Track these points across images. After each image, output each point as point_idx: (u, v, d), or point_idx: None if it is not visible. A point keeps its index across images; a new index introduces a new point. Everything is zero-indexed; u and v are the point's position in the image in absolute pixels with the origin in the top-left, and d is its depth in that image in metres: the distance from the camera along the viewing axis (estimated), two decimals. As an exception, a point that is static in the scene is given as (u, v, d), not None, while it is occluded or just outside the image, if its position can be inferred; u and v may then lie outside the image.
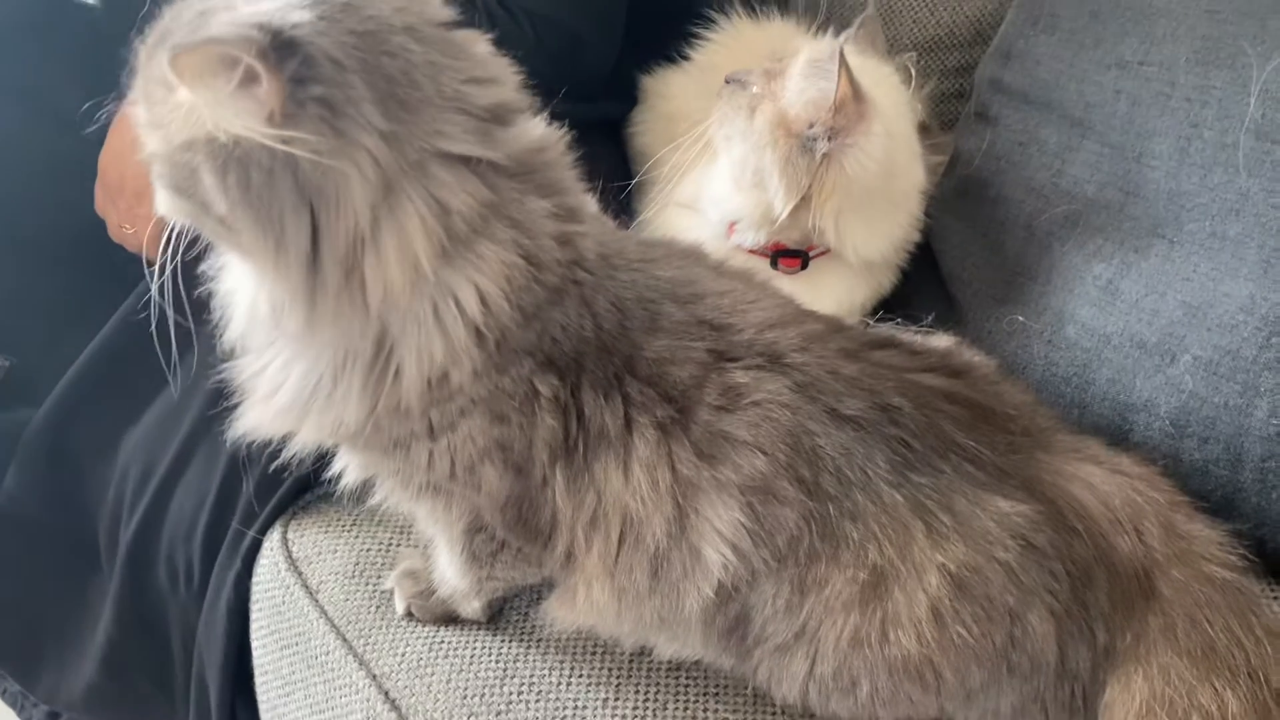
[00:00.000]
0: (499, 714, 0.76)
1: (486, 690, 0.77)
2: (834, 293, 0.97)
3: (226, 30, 0.53)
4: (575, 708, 0.75)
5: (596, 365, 0.66)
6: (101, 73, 0.71)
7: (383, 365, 0.63)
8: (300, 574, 0.88)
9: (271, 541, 0.91)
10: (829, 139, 0.88)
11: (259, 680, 0.92)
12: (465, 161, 0.59)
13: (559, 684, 0.77)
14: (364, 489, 0.75)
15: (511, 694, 0.77)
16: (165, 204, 0.60)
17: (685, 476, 0.66)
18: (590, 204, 0.71)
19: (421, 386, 0.63)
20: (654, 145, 1.19)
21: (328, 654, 0.84)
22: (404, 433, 0.66)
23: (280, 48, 0.53)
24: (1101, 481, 0.69)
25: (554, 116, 1.02)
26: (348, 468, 0.73)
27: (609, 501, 0.67)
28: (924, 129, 1.25)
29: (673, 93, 1.23)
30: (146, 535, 1.02)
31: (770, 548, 0.66)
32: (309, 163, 0.55)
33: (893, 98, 0.96)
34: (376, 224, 0.57)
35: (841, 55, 0.86)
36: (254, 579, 0.93)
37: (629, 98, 1.26)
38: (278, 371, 0.66)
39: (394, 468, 0.70)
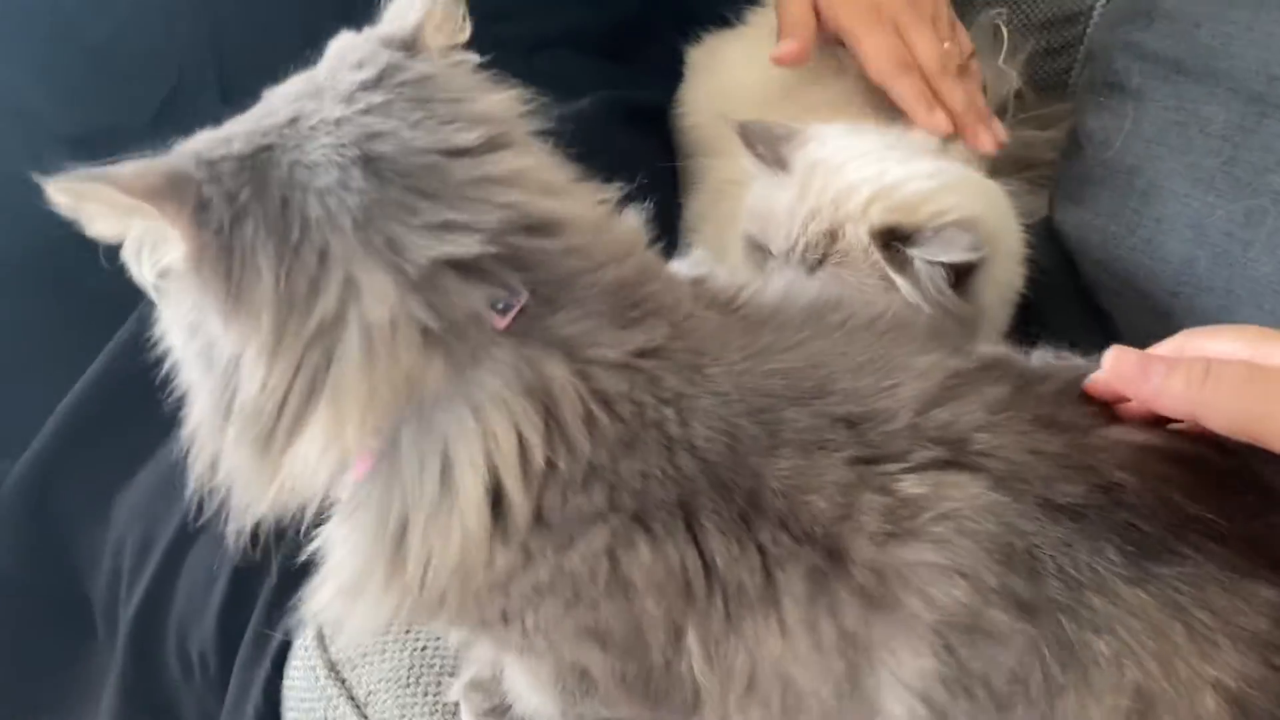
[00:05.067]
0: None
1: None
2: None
3: (119, 169, 0.48)
4: None
5: (714, 508, 0.51)
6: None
7: (395, 548, 0.52)
8: (344, 682, 0.73)
9: (305, 640, 0.76)
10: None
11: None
12: (416, 325, 0.49)
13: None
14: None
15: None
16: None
17: (851, 631, 0.50)
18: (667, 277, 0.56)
19: (445, 576, 0.51)
20: (705, 125, 1.04)
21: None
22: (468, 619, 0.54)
23: (179, 185, 0.48)
24: None
25: (594, 105, 0.87)
26: None
27: (765, 669, 0.52)
28: (1019, 97, 1.10)
29: (724, 63, 1.07)
30: (151, 617, 0.88)
31: (983, 693, 0.51)
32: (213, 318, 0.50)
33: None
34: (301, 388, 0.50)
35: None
36: (286, 682, 0.78)
37: (674, 74, 1.10)
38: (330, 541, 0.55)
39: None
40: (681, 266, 0.61)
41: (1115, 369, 0.52)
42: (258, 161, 0.49)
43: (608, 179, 0.90)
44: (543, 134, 0.78)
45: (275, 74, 0.55)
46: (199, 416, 0.53)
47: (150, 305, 0.55)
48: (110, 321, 0.93)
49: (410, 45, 0.54)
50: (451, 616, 0.54)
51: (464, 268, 0.49)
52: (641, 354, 0.51)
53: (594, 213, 0.56)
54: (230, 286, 0.48)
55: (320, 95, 0.51)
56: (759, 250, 0.83)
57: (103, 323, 0.94)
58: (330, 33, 0.57)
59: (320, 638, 0.76)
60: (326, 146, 0.49)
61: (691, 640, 0.52)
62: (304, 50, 0.56)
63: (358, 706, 0.73)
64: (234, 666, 0.83)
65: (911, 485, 0.50)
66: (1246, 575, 0.51)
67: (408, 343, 0.49)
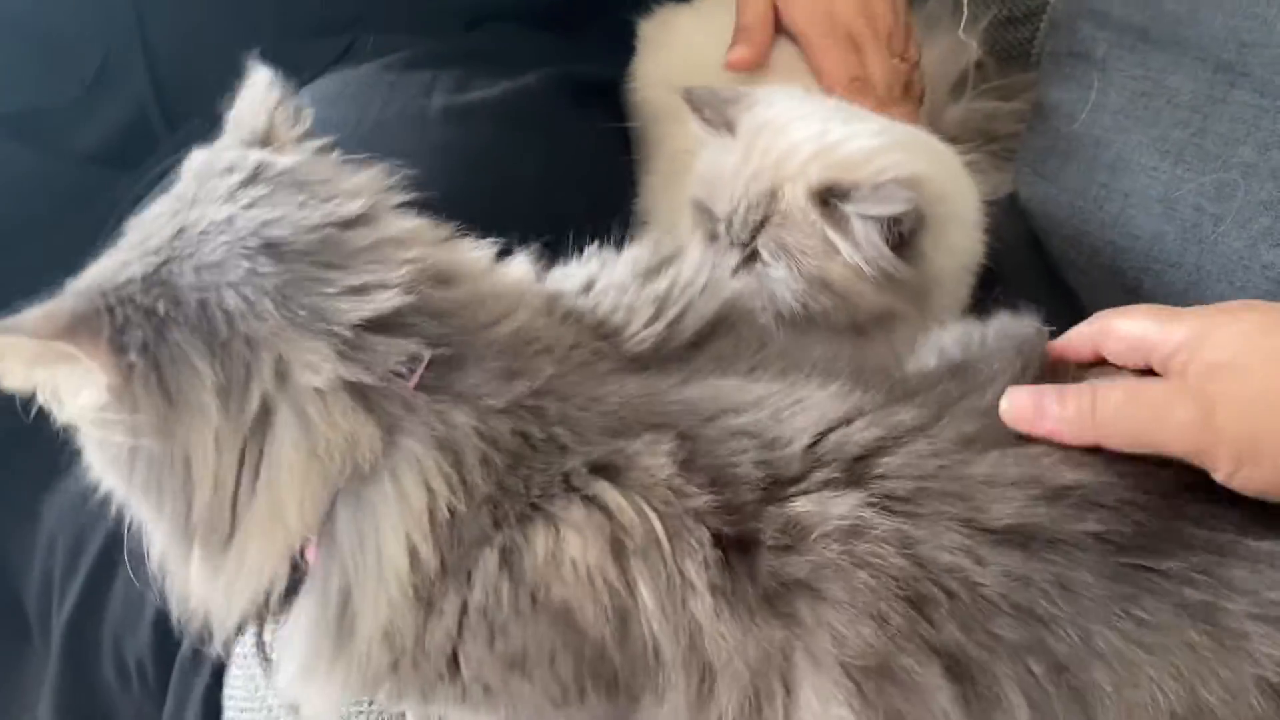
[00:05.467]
0: None
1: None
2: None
3: (22, 317, 0.50)
4: None
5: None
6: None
7: (338, 625, 0.53)
8: (286, 692, 0.70)
9: (245, 648, 0.72)
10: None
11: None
12: (349, 389, 0.50)
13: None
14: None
15: None
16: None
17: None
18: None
19: (379, 645, 0.52)
20: (658, 97, 1.01)
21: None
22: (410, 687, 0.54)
23: (88, 318, 0.49)
24: None
25: (541, 82, 0.83)
26: None
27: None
28: (980, 68, 1.07)
29: (676, 36, 1.03)
30: (85, 623, 0.84)
31: None
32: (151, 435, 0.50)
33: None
34: (238, 488, 0.51)
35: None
36: (225, 691, 0.74)
37: (624, 48, 1.06)
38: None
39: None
40: (571, 279, 0.62)
41: (1011, 413, 0.53)
42: (161, 275, 0.51)
43: (556, 157, 0.86)
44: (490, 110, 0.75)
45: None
46: (162, 549, 0.55)
47: None
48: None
49: (269, 141, 0.58)
50: (397, 687, 0.54)
51: (387, 324, 0.51)
52: (530, 394, 0.52)
53: (483, 261, 0.59)
54: (167, 394, 0.50)
55: (198, 203, 0.53)
56: (705, 215, 0.80)
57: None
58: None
59: (260, 645, 0.72)
60: (224, 244, 0.51)
61: (643, 592, 0.50)
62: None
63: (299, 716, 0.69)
64: (172, 675, 0.79)
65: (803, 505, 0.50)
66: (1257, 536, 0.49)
67: (343, 407, 0.50)
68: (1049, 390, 0.53)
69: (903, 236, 0.71)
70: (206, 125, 0.96)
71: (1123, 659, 0.47)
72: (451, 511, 0.50)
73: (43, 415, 0.90)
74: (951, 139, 0.90)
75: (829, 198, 0.72)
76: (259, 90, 0.59)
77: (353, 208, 0.54)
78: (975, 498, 0.50)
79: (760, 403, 0.54)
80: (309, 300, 0.50)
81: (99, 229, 0.94)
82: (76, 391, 0.51)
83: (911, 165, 0.74)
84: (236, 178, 0.54)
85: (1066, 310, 0.82)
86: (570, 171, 0.87)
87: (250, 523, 0.52)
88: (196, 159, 0.57)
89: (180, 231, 0.52)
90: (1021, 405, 0.53)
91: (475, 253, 0.59)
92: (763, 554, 0.50)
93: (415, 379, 0.51)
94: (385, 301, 0.51)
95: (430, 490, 0.50)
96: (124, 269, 0.51)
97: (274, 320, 0.50)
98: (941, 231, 0.74)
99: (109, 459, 0.53)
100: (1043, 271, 0.84)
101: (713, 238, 0.80)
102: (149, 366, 0.49)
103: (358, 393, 0.50)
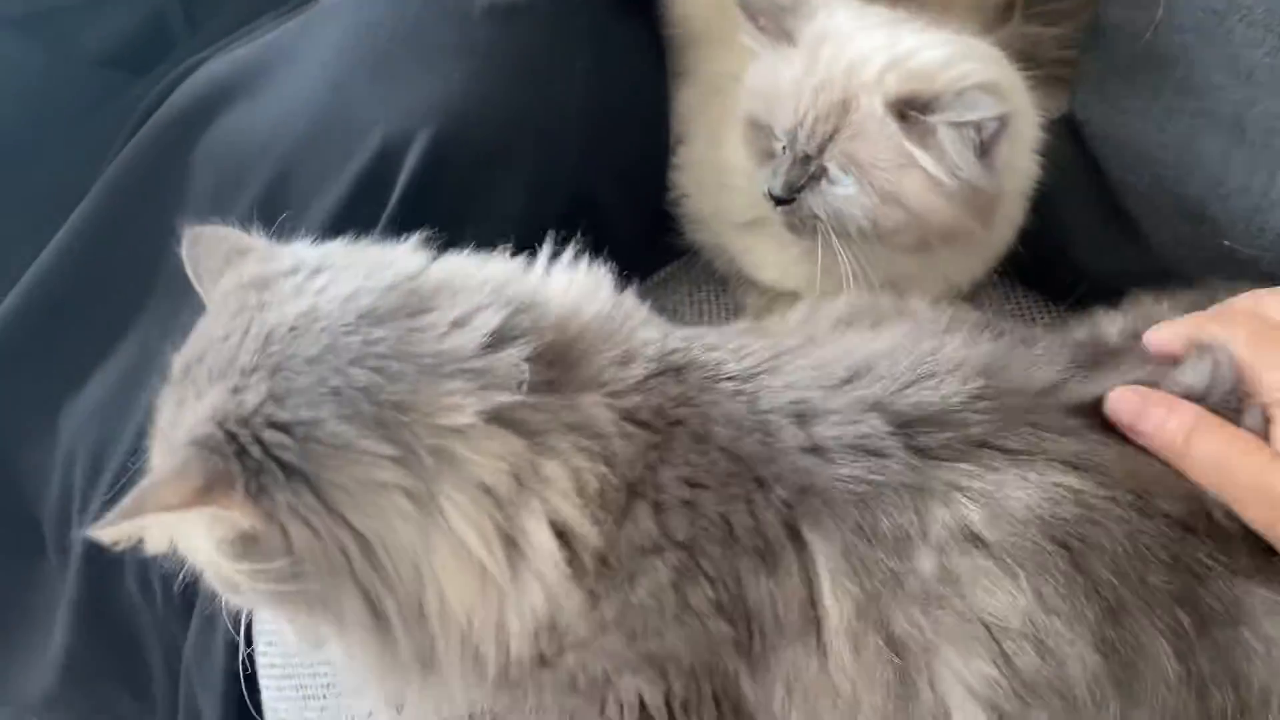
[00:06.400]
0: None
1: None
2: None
3: (150, 485, 0.48)
4: None
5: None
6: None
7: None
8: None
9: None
10: None
11: (273, 728, 0.73)
12: (489, 419, 0.50)
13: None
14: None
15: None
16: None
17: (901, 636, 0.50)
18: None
19: (530, 644, 0.52)
20: (699, 14, 0.97)
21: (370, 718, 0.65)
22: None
23: (218, 470, 0.47)
24: None
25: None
26: None
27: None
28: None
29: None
30: (106, 537, 0.82)
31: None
32: (324, 549, 0.49)
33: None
34: (427, 552, 0.50)
35: None
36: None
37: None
38: None
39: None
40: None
41: (1114, 410, 0.54)
42: (279, 387, 0.49)
43: (603, 65, 0.82)
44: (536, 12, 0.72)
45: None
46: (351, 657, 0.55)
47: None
48: (54, 216, 0.86)
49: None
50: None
51: (499, 342, 0.52)
52: (649, 376, 0.54)
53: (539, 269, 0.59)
54: (329, 499, 0.49)
55: (268, 307, 0.52)
56: (761, 132, 0.77)
57: (46, 218, 0.87)
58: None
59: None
60: (322, 330, 0.51)
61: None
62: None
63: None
64: (199, 591, 0.78)
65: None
66: None
67: (489, 433, 0.50)
68: (1158, 398, 0.53)
69: (984, 145, 0.69)
70: (229, 24, 0.93)
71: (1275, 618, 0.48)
72: (601, 483, 0.51)
73: (54, 322, 0.88)
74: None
75: (908, 109, 0.69)
76: (210, 238, 0.58)
77: (412, 261, 0.55)
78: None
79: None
80: (428, 347, 0.50)
81: (110, 136, 0.92)
82: (208, 545, 0.50)
83: (988, 73, 0.72)
84: (303, 273, 0.53)
85: (1126, 238, 0.81)
86: (616, 81, 0.84)
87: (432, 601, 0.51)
88: (228, 282, 0.55)
89: (268, 338, 0.50)
90: (1128, 402, 0.54)
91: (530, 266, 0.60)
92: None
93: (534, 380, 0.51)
94: (491, 320, 0.51)
95: (574, 468, 0.51)
96: (236, 398, 0.49)
97: (410, 376, 0.49)
98: (1011, 144, 0.71)
99: (268, 595, 0.51)
100: (1100, 197, 0.82)
101: (768, 156, 0.77)
102: (302, 487, 0.48)
103: (498, 416, 0.50)
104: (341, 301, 0.51)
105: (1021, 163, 0.77)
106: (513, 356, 0.51)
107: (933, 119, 0.69)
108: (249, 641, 0.72)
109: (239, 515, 0.48)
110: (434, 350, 0.50)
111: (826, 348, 0.56)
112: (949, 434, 0.52)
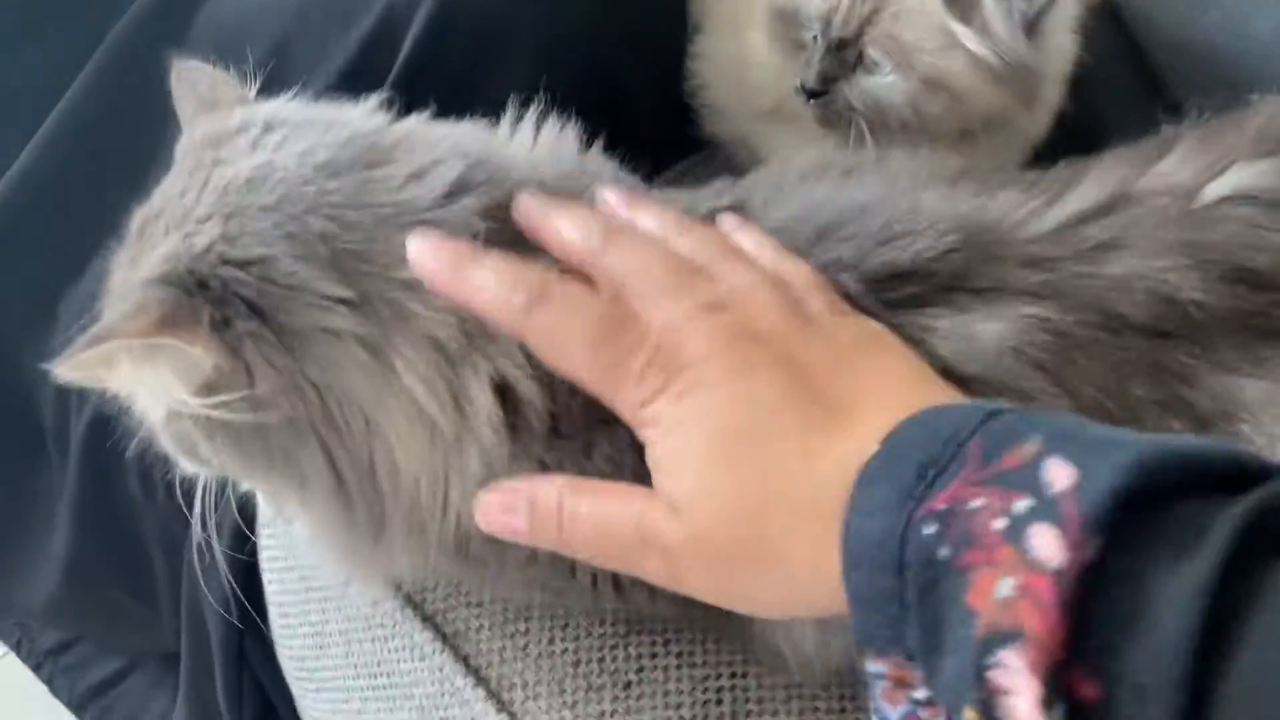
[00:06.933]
0: (625, 688, 0.57)
1: (604, 657, 0.58)
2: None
3: (110, 320, 0.47)
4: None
5: None
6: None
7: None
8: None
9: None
10: None
11: (278, 623, 0.71)
12: None
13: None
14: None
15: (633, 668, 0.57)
16: (184, 465, 0.55)
17: None
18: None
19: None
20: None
21: (376, 607, 0.63)
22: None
23: (180, 303, 0.47)
24: None
25: None
26: None
27: None
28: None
29: None
30: (105, 430, 0.80)
31: None
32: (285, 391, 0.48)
33: None
34: (379, 406, 0.49)
35: None
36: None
37: None
38: None
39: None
40: None
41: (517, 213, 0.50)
42: (233, 230, 0.49)
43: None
44: None
45: None
46: (316, 522, 0.53)
47: None
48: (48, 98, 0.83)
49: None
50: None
51: (453, 194, 0.50)
52: None
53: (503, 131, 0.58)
54: (288, 341, 0.48)
55: (223, 164, 0.51)
56: (788, 20, 0.73)
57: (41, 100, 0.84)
58: None
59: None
60: (279, 182, 0.50)
61: None
62: None
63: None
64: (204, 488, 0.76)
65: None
66: None
67: None
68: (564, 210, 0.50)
69: (1031, 21, 0.66)
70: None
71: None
72: None
73: (49, 209, 0.86)
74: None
75: None
76: (193, 75, 0.57)
77: (371, 119, 0.54)
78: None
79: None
80: (384, 198, 0.49)
81: (94, 36, 0.89)
82: (172, 384, 0.48)
83: None
84: (255, 130, 0.52)
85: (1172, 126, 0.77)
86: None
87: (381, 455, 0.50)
88: (188, 140, 0.54)
89: (224, 189, 0.49)
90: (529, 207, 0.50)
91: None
92: None
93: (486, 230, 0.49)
94: (448, 173, 0.50)
95: None
96: (187, 241, 0.48)
97: (366, 226, 0.49)
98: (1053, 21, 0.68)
99: (229, 447, 0.50)
100: (1143, 81, 0.78)
101: (796, 47, 0.74)
102: (261, 325, 0.47)
103: None
104: (298, 155, 0.50)
105: (1062, 41, 0.74)
106: (469, 207, 0.50)
107: None
108: (251, 533, 0.70)
109: (202, 350, 0.47)
110: (391, 201, 0.50)
111: (794, 201, 0.54)
112: (918, 285, 0.50)
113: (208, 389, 0.48)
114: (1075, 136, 0.80)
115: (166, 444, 0.53)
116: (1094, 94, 0.78)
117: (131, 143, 0.77)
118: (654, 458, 0.44)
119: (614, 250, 0.46)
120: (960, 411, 0.38)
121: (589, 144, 0.57)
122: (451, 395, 0.49)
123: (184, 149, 0.54)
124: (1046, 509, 0.32)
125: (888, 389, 0.43)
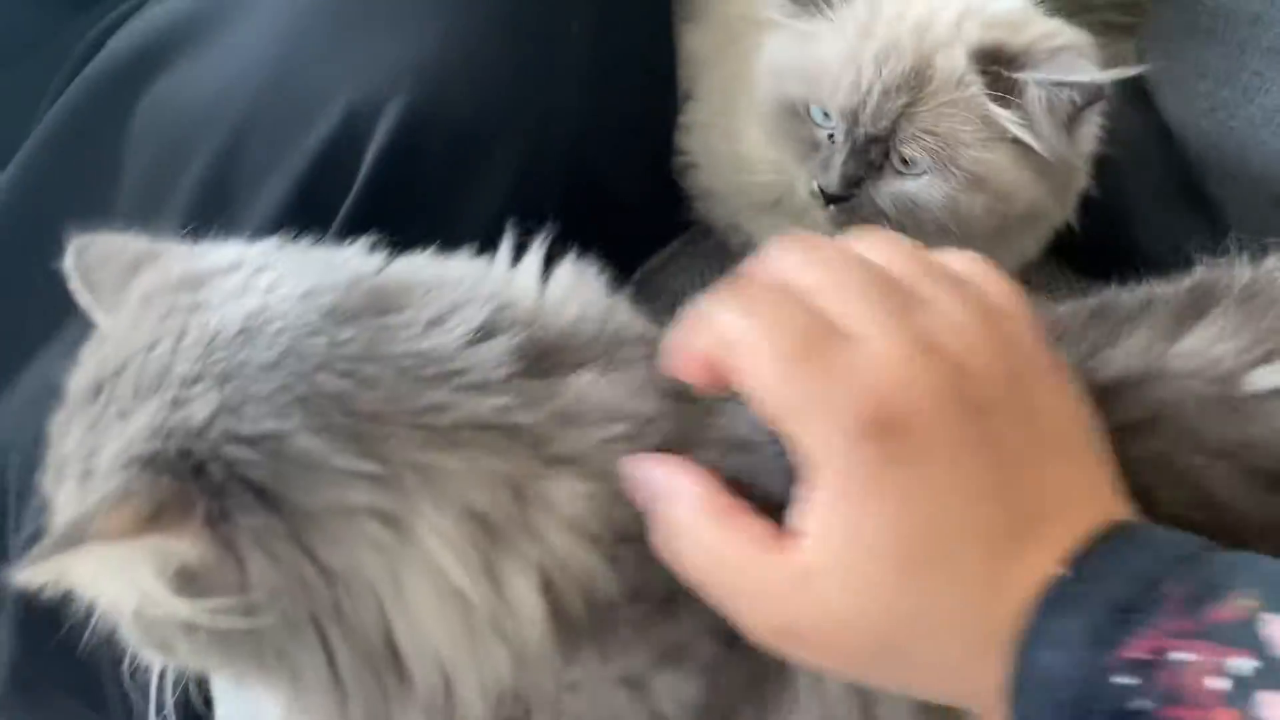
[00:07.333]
0: None
1: None
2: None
3: (85, 514, 0.40)
4: None
5: None
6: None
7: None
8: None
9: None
10: None
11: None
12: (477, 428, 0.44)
13: None
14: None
15: None
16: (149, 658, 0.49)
17: None
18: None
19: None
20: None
21: None
22: None
23: (173, 493, 0.41)
24: None
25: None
26: None
27: None
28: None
29: None
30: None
31: None
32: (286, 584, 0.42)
33: None
34: (398, 586, 0.43)
35: None
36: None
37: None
38: None
39: None
40: None
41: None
42: (231, 398, 0.43)
43: (592, 21, 0.73)
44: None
45: None
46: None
47: None
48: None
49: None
50: None
51: (480, 339, 0.46)
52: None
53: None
54: (296, 530, 0.43)
55: (204, 309, 0.45)
56: (798, 118, 0.67)
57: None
58: None
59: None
60: (280, 331, 0.45)
61: None
62: None
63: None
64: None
65: None
66: None
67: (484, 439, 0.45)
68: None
69: (1073, 115, 0.61)
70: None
71: None
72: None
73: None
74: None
75: (993, 65, 0.61)
76: (103, 248, 0.50)
77: (368, 260, 0.49)
78: None
79: None
80: (403, 348, 0.44)
81: (47, 76, 0.82)
82: (149, 583, 0.42)
83: (1071, 33, 0.63)
84: (246, 269, 0.46)
85: (1207, 223, 0.72)
86: (620, 35, 0.74)
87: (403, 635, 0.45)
88: (147, 284, 0.47)
89: (210, 342, 0.43)
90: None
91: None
92: None
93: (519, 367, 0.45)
94: (474, 316, 0.46)
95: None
96: (178, 412, 0.42)
97: (388, 382, 0.43)
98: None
99: (213, 645, 0.44)
100: (1175, 171, 0.72)
101: (808, 146, 0.68)
102: (270, 517, 0.41)
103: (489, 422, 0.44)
104: (298, 299, 0.44)
105: (1093, 124, 0.68)
106: (501, 348, 0.45)
107: (1022, 76, 0.60)
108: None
109: (189, 545, 0.41)
110: (414, 350, 0.44)
111: None
112: None
113: (194, 588, 0.42)
114: (1092, 223, 0.75)
115: (133, 638, 0.47)
116: (1117, 179, 0.73)
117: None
118: (819, 511, 0.38)
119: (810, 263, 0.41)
120: (1151, 541, 0.37)
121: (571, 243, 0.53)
122: (486, 571, 0.44)
123: (146, 293, 0.47)
124: (1274, 674, 0.32)
125: (1077, 493, 0.40)
